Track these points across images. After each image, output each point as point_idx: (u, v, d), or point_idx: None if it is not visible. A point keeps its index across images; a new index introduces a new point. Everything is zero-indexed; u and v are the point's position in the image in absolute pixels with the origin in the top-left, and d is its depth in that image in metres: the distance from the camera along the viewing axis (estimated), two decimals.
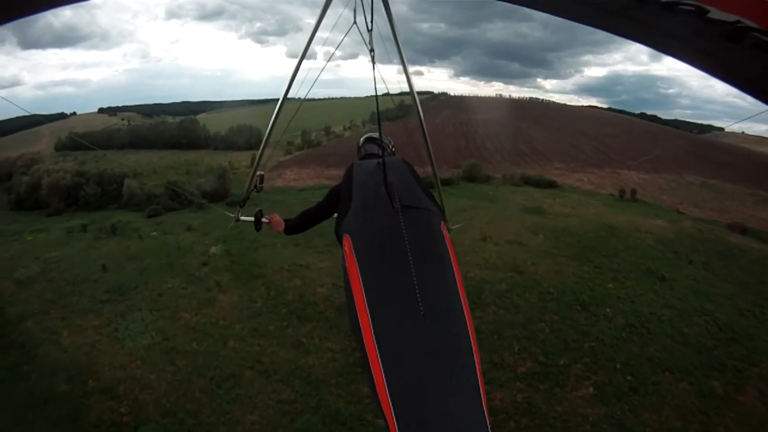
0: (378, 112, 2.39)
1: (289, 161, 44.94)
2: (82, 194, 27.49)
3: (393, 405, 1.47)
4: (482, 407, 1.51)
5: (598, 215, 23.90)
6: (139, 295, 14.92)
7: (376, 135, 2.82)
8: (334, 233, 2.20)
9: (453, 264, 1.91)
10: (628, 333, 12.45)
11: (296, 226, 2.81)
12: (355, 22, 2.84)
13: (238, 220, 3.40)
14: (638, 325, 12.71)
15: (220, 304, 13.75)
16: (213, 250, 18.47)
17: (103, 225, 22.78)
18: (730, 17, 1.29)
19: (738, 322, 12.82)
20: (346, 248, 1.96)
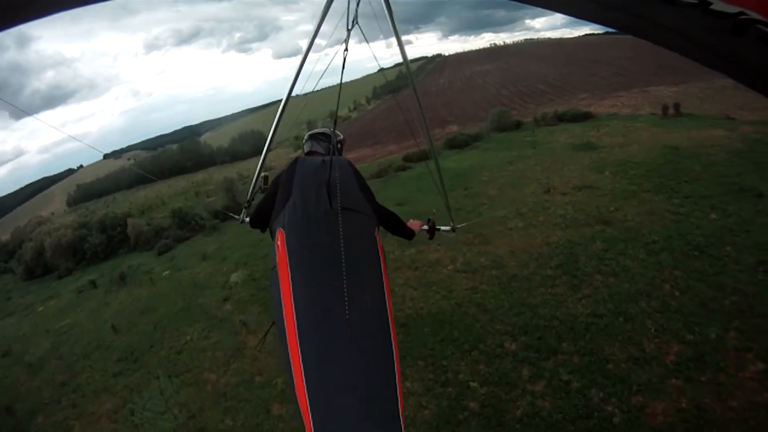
0: (337, 110, 2.50)
1: (300, 155, 42.45)
2: (88, 246, 25.21)
3: (310, 406, 1.50)
4: (399, 415, 1.54)
5: (653, 137, 19.86)
6: (154, 357, 12.08)
7: (325, 130, 2.79)
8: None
9: (382, 271, 1.97)
10: (765, 274, 8.76)
11: (254, 222, 2.62)
12: (356, 23, 2.69)
13: (242, 221, 3.37)
14: None
15: (251, 351, 10.63)
16: (233, 278, 15.48)
17: (112, 276, 20.35)
18: (733, 9, 1.23)
19: None
20: (278, 242, 1.98)
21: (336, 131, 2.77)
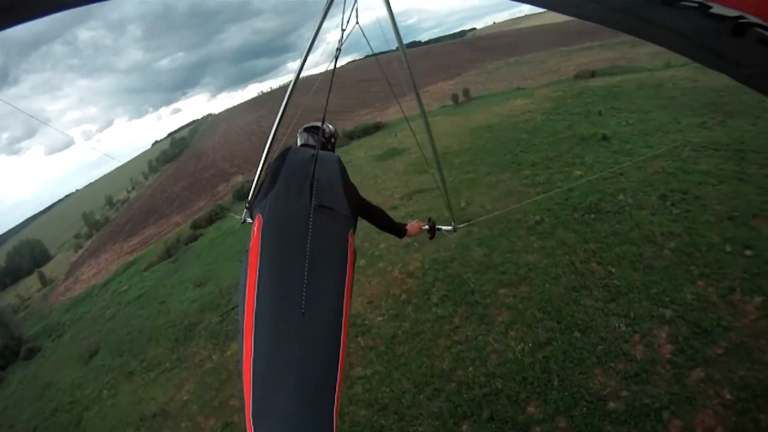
0: (326, 105, 2.51)
1: (81, 258, 36.96)
2: None
3: (252, 387, 1.59)
4: (332, 418, 1.60)
5: (458, 125, 21.89)
6: None
7: (318, 124, 2.83)
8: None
9: (348, 272, 2.08)
10: None
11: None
12: (357, 22, 2.93)
13: (244, 221, 3.62)
14: None
15: None
16: None
17: None
18: (733, 12, 1.32)
19: None
20: (255, 227, 2.10)
21: (328, 125, 2.93)
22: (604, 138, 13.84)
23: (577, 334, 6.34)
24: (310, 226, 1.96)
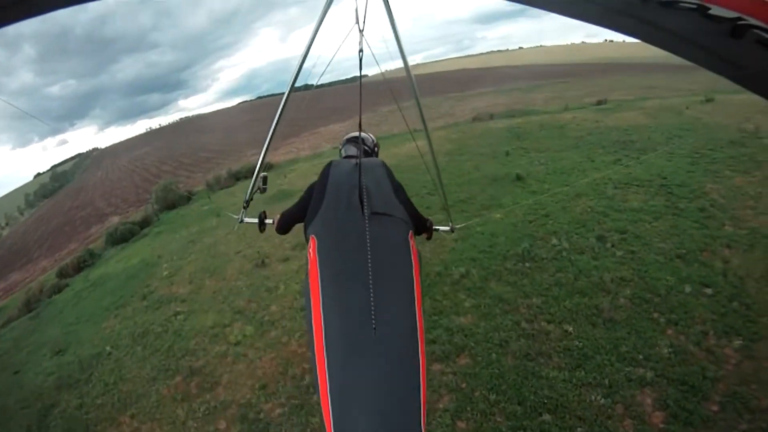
0: (360, 112, 3.25)
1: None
2: None
3: (331, 409, 1.85)
4: (420, 429, 1.85)
5: None
6: None
7: (357, 134, 3.49)
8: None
9: (415, 277, 2.32)
10: None
11: (280, 228, 3.46)
12: (357, 24, 3.22)
13: (241, 221, 4.18)
14: None
15: None
16: None
17: None
18: (731, 14, 1.56)
19: None
20: (311, 250, 2.40)
21: (369, 134, 3.61)
22: (518, 178, 14.89)
23: (547, 416, 5.83)
24: (368, 237, 2.20)
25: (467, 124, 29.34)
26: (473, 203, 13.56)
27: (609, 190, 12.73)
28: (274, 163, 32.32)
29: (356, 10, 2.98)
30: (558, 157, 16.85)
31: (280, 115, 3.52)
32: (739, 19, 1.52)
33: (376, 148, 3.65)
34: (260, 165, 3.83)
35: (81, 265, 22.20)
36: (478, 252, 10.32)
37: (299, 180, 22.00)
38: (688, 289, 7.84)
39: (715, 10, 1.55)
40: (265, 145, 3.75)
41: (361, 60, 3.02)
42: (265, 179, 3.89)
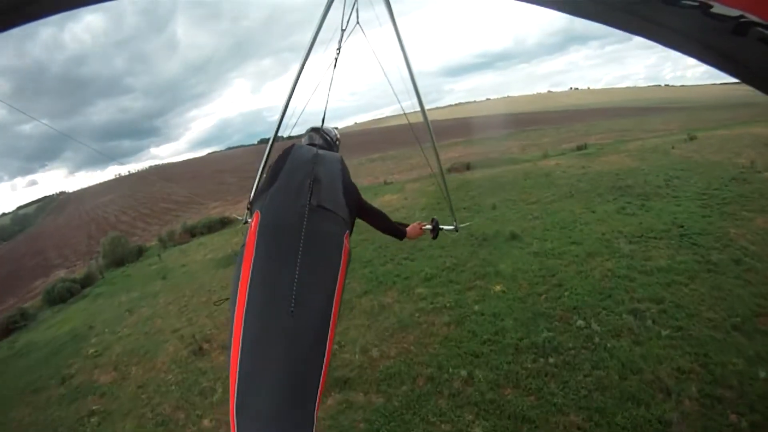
0: (325, 110, 3.57)
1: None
2: None
3: (237, 382, 1.92)
4: (313, 416, 1.93)
5: None
6: None
7: (320, 126, 3.61)
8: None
9: (340, 275, 2.41)
10: None
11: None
12: (357, 23, 3.48)
13: (246, 222, 4.02)
14: None
15: None
16: None
17: None
18: (734, 12, 1.52)
19: None
20: (252, 222, 2.50)
21: (334, 128, 3.74)
22: (513, 236, 12.76)
23: None
24: (304, 225, 2.34)
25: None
26: (463, 271, 11.24)
27: (624, 246, 10.78)
28: (233, 218, 29.32)
29: (343, 9, 3.15)
30: (552, 209, 14.88)
31: (281, 116, 3.54)
32: (742, 17, 1.50)
33: (337, 142, 3.62)
34: (263, 165, 3.74)
35: (10, 327, 20.44)
36: (480, 343, 7.95)
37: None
38: (762, 374, 6.16)
39: (718, 8, 1.52)
40: (269, 146, 3.74)
41: (336, 59, 3.38)
42: None
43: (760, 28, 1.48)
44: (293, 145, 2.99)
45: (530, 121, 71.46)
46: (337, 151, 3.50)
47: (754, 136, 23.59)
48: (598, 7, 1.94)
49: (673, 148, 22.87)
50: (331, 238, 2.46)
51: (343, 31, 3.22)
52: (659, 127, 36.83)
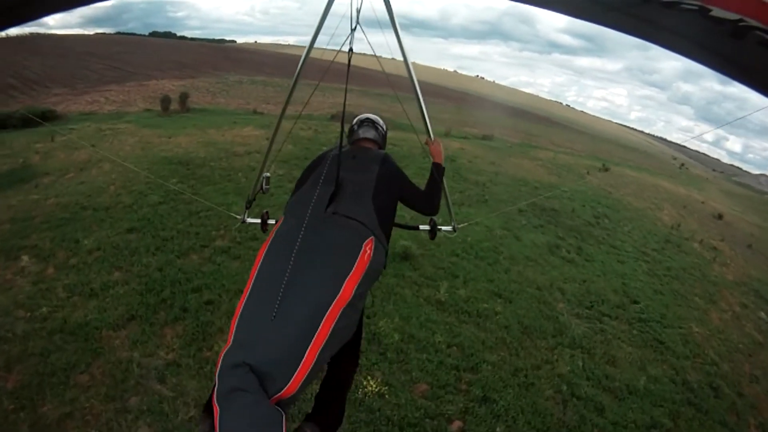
0: (344, 111, 2.77)
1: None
2: None
3: (219, 369, 1.84)
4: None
5: (144, 146, 14.75)
6: None
7: (370, 116, 3.18)
8: None
9: (346, 283, 2.13)
10: None
11: None
12: (357, 23, 3.19)
13: (244, 221, 3.91)
14: None
15: None
16: None
17: None
18: (733, 16, 1.51)
19: None
20: (276, 224, 2.41)
21: (381, 120, 3.24)
22: (405, 257, 8.17)
23: None
24: (300, 235, 2.20)
25: (322, 120, 22.17)
26: None
27: (572, 322, 7.17)
28: (64, 112, 23.42)
29: (350, 8, 2.88)
30: (462, 214, 10.27)
31: (281, 116, 3.25)
32: (741, 20, 1.50)
33: (384, 134, 3.18)
34: (263, 165, 3.50)
35: None
36: None
37: (62, 153, 13.62)
38: None
39: (717, 12, 1.52)
40: (269, 146, 3.51)
41: (349, 60, 2.88)
42: (267, 179, 3.52)
43: (758, 32, 1.46)
44: (331, 150, 2.75)
45: (433, 93, 68.29)
46: (384, 147, 3.19)
47: (667, 191, 23.18)
48: (597, 8, 1.96)
49: (588, 173, 21.23)
50: (341, 246, 2.21)
51: (352, 31, 2.86)
52: (565, 144, 35.95)
